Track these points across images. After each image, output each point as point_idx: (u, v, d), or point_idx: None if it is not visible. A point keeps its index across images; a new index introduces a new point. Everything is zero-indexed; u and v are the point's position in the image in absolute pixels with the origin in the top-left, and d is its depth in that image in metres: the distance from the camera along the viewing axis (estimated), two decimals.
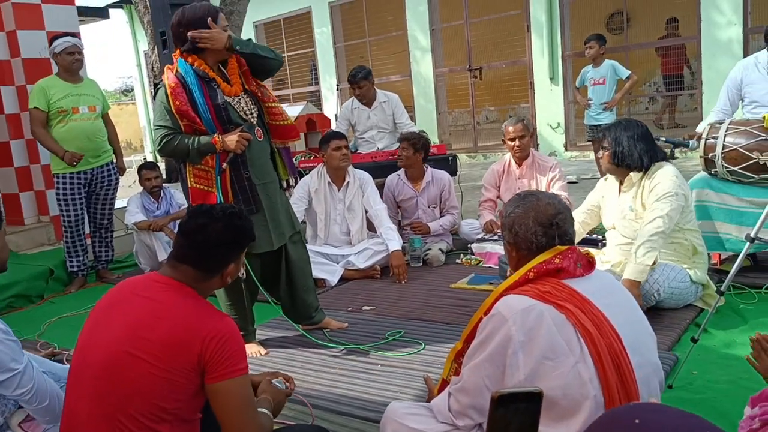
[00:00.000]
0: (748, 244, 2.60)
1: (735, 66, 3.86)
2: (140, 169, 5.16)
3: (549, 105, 9.42)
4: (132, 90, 18.28)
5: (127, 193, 6.10)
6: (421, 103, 10.78)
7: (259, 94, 3.10)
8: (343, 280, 4.31)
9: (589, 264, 1.79)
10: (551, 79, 9.28)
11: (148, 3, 6.19)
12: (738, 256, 3.59)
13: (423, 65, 10.62)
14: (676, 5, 9.66)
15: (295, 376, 2.85)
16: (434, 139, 10.60)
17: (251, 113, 3.04)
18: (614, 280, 1.86)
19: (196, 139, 2.92)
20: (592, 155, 7.00)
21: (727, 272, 3.66)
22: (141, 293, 1.81)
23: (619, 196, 3.33)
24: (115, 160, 4.95)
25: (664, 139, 3.76)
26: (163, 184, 5.22)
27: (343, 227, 4.52)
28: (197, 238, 1.86)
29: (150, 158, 16.35)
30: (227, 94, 2.97)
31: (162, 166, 9.11)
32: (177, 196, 5.11)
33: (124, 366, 1.69)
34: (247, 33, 11.89)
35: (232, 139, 2.89)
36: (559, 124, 9.38)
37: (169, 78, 2.93)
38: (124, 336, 1.72)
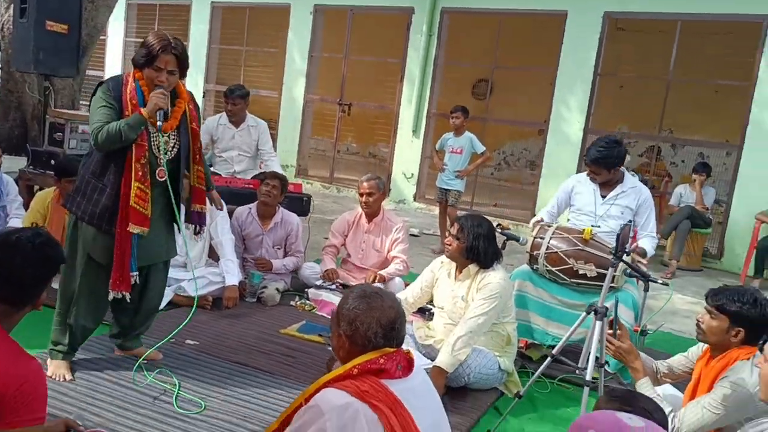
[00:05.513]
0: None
1: (570, 177, 4.36)
2: None
3: (407, 155, 9.83)
4: None
5: None
6: (287, 124, 10.75)
7: (196, 147, 3.15)
8: (171, 304, 4.18)
9: (409, 365, 1.94)
10: (413, 131, 9.71)
11: None
12: (541, 345, 4.04)
13: (296, 88, 10.64)
14: (532, 87, 10.46)
15: (101, 413, 2.75)
16: (292, 162, 10.70)
17: (166, 153, 3.02)
18: (428, 381, 2.02)
19: (123, 120, 2.90)
20: (437, 210, 7.43)
21: (530, 358, 4.07)
22: None
23: (454, 283, 3.57)
24: None
25: (499, 230, 4.10)
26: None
27: (181, 249, 4.39)
28: (2, 273, 1.78)
29: None
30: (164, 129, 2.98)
31: None
32: (11, 189, 4.59)
33: None
34: (119, 12, 11.24)
35: (152, 97, 2.90)
36: (413, 174, 9.80)
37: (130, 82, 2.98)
38: None
